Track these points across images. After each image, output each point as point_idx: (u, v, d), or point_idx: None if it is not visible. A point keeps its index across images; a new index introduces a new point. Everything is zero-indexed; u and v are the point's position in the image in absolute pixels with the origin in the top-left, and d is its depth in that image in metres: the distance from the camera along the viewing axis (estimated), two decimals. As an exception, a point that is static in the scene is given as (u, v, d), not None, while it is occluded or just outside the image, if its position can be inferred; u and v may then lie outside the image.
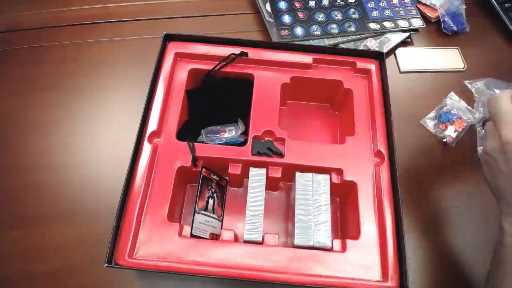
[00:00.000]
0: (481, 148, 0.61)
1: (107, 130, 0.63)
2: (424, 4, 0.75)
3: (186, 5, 0.77)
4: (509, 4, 0.74)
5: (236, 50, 0.57)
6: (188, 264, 0.43)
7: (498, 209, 0.44)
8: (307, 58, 0.57)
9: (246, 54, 0.57)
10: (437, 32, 0.74)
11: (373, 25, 0.71)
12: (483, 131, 0.62)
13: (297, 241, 0.46)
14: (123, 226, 0.45)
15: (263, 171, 0.51)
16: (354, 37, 0.70)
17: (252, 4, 0.76)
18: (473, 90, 0.65)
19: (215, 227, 0.50)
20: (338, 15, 0.72)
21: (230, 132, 0.56)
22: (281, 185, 0.56)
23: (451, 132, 0.62)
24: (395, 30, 0.71)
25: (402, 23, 0.72)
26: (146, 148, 0.50)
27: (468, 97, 0.66)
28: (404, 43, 0.72)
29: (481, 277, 0.53)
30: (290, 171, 0.51)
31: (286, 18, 0.71)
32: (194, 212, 0.47)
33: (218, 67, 0.57)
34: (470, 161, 0.61)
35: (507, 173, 0.42)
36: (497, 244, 0.43)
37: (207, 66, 0.57)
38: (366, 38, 0.71)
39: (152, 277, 0.52)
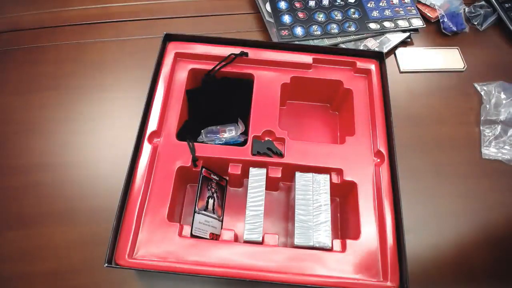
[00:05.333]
0: (485, 148, 0.61)
1: (107, 130, 0.63)
2: (424, 4, 0.75)
3: (186, 5, 0.77)
4: (509, 4, 0.74)
5: (236, 50, 0.57)
6: (188, 264, 0.43)
7: None
8: (307, 58, 0.57)
9: (246, 54, 0.57)
10: (437, 32, 0.74)
11: (373, 25, 0.71)
12: (487, 133, 0.62)
13: (297, 241, 0.46)
14: (123, 226, 0.45)
15: (263, 171, 0.51)
16: (354, 37, 0.70)
17: (252, 4, 0.76)
18: (482, 93, 0.66)
19: (215, 227, 0.50)
20: (338, 15, 0.72)
21: (230, 132, 0.56)
22: (281, 185, 0.56)
23: None
24: (395, 30, 0.71)
25: (402, 23, 0.72)
26: (146, 148, 0.50)
27: (469, 97, 0.67)
28: (404, 43, 0.72)
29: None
30: (290, 171, 0.51)
31: (286, 18, 0.71)
32: (194, 212, 0.47)
33: (218, 67, 0.57)
34: (471, 161, 0.61)
35: None
36: None
37: (207, 66, 0.57)
38: (366, 38, 0.71)
39: (152, 277, 0.52)
